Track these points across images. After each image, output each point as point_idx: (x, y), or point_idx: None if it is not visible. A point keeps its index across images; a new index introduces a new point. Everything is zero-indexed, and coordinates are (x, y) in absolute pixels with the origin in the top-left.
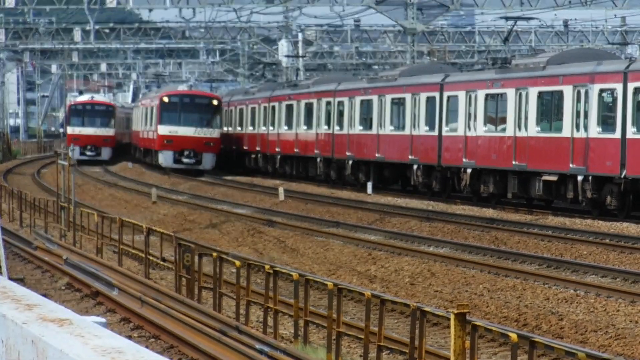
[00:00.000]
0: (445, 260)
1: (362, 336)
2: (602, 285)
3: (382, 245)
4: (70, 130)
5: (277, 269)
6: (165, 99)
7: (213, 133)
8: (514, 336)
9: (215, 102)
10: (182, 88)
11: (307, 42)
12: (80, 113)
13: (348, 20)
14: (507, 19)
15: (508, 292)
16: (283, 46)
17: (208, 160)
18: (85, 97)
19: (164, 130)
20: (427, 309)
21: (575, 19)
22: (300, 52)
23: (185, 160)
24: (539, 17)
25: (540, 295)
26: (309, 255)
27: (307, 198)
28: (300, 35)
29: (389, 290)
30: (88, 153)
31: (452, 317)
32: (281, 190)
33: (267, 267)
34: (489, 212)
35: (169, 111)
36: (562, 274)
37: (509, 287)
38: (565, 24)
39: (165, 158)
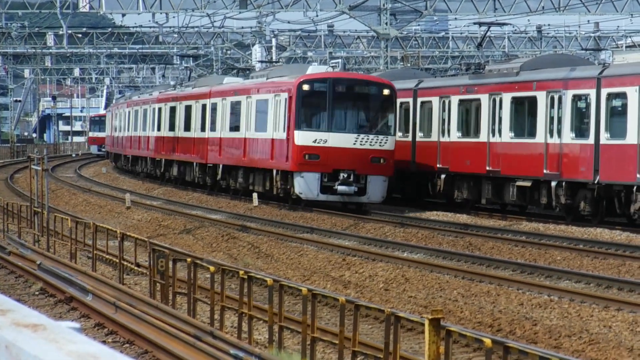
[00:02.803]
0: (420, 265)
1: (337, 341)
2: (576, 291)
3: (357, 250)
4: (91, 134)
5: (252, 274)
6: (306, 87)
7: (385, 143)
8: (488, 341)
9: (387, 91)
10: (324, 69)
11: (281, 47)
12: (97, 122)
13: (322, 25)
14: (480, 24)
15: (482, 297)
16: (257, 51)
17: (377, 188)
18: (100, 112)
19: (304, 138)
20: (401, 314)
21: (549, 25)
22: (274, 57)
23: (340, 188)
24: (513, 22)
25: (514, 301)
26: (283, 261)
27: (281, 204)
28: (273, 41)
29: (363, 295)
30: (103, 150)
31: (426, 322)
32: (255, 196)
33: (241, 272)
34: (463, 218)
35: (311, 107)
36: (536, 280)
37: (483, 293)
38: (539, 29)
39: (306, 185)
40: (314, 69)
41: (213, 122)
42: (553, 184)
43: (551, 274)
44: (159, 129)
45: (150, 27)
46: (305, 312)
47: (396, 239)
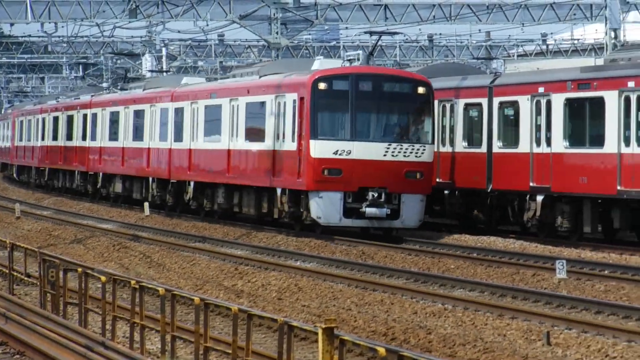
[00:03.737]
0: (313, 274)
1: (230, 351)
2: (470, 299)
3: (249, 259)
4: None
5: (143, 284)
6: (323, 85)
7: (423, 153)
8: (381, 350)
9: (422, 89)
10: (339, 64)
11: (171, 57)
12: None
13: (212, 35)
14: (371, 33)
15: (376, 306)
16: (147, 61)
17: (413, 210)
18: None
19: (323, 149)
20: (294, 323)
21: (440, 34)
22: (165, 67)
23: (369, 210)
24: (404, 31)
25: (408, 309)
26: (176, 270)
27: (172, 213)
28: (164, 50)
29: (256, 305)
30: None
31: (319, 331)
32: (146, 205)
33: (133, 282)
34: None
35: (330, 110)
36: (430, 288)
37: (376, 302)
38: (430, 38)
39: (325, 207)
40: (325, 63)
41: (179, 131)
42: (446, 192)
43: (445, 283)
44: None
45: (39, 36)
46: (198, 321)
47: (289, 248)
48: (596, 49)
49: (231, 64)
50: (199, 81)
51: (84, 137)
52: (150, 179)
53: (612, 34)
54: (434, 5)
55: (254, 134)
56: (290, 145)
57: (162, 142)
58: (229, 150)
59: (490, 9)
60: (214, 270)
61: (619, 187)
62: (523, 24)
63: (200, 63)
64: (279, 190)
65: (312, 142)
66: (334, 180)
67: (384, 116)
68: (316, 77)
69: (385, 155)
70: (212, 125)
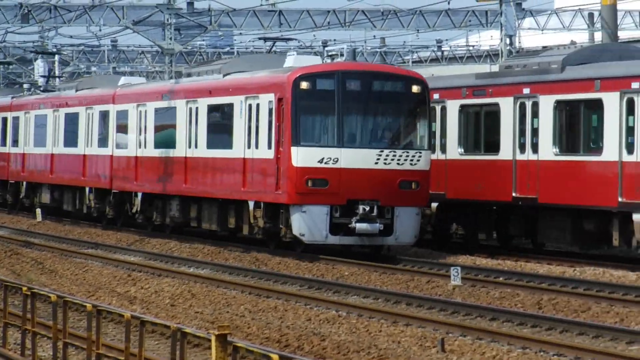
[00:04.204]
0: (206, 281)
1: (123, 358)
2: (364, 306)
3: (142, 266)
4: None
5: (35, 290)
6: (305, 84)
7: (419, 160)
8: (275, 357)
9: (417, 87)
10: (317, 60)
11: (64, 62)
12: None
13: (105, 40)
14: (265, 39)
15: (270, 312)
16: (39, 66)
17: (408, 225)
18: None
19: (306, 157)
20: (187, 330)
21: (335, 40)
22: (57, 72)
23: (359, 226)
24: (298, 37)
25: (302, 316)
26: (68, 277)
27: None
28: (56, 56)
29: (149, 311)
30: None
31: (213, 338)
32: (38, 211)
33: (24, 288)
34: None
35: (314, 112)
36: (323, 295)
37: (270, 308)
38: (324, 44)
39: (310, 223)
40: (301, 60)
41: (123, 137)
42: None
43: (339, 289)
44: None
45: None
46: (90, 328)
47: (182, 255)
48: (491, 55)
49: (124, 69)
50: (139, 81)
51: (3, 143)
52: (87, 189)
53: (508, 41)
54: (328, 11)
55: (219, 140)
56: (266, 152)
57: (101, 149)
58: (186, 159)
59: (384, 15)
60: (106, 277)
61: (514, 194)
62: (418, 30)
63: (93, 69)
64: (251, 204)
65: (293, 149)
66: (319, 192)
67: (375, 119)
68: (297, 75)
69: (376, 163)
70: (165, 130)
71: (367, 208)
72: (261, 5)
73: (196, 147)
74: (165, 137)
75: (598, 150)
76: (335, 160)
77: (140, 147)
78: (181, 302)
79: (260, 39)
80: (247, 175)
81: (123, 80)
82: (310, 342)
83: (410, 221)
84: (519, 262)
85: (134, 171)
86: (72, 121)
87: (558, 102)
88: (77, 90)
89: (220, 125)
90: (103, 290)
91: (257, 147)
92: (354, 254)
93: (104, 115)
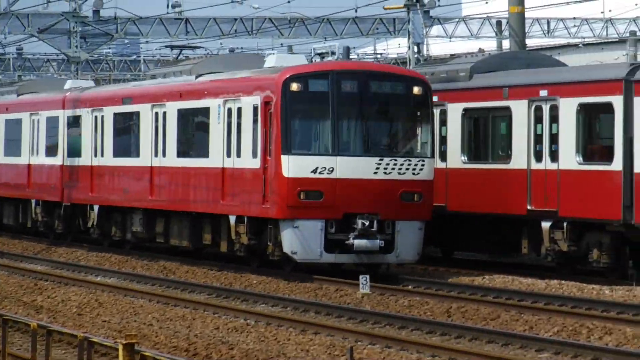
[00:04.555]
0: (114, 290)
1: None
2: (273, 315)
3: (49, 275)
4: None
5: None
6: (296, 86)
7: (422, 169)
8: None
9: (418, 89)
10: (302, 60)
11: None
12: None
13: (10, 48)
14: (172, 47)
15: (177, 321)
16: None
17: (410, 240)
18: None
19: (299, 166)
20: (94, 339)
21: (242, 48)
22: None
23: (357, 243)
24: (205, 45)
25: (210, 325)
26: None
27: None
28: None
29: (56, 320)
30: None
31: (120, 347)
32: None
33: None
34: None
35: (307, 117)
36: (232, 303)
37: (178, 317)
38: (232, 52)
39: (303, 240)
40: (285, 59)
41: (75, 145)
42: None
43: (247, 298)
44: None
45: None
46: None
47: (89, 263)
48: (399, 63)
49: (30, 78)
50: (88, 85)
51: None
52: (34, 202)
53: (415, 49)
54: (235, 19)
55: (192, 148)
56: (250, 161)
57: (50, 158)
58: (152, 168)
59: (292, 23)
60: (12, 286)
61: None
62: (325, 38)
63: None
64: (232, 219)
65: (284, 158)
66: (313, 205)
67: (373, 124)
68: (287, 75)
69: (376, 172)
70: (126, 137)
71: (366, 222)
72: (167, 13)
73: (164, 155)
74: (126, 144)
75: (507, 158)
76: (331, 170)
77: (96, 155)
78: (88, 311)
79: (167, 46)
80: (227, 186)
81: (70, 83)
82: (218, 350)
83: (412, 237)
84: (427, 270)
85: (90, 182)
86: (13, 128)
87: (466, 110)
88: (18, 95)
89: (193, 132)
90: (9, 299)
91: (238, 155)
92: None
93: (53, 122)
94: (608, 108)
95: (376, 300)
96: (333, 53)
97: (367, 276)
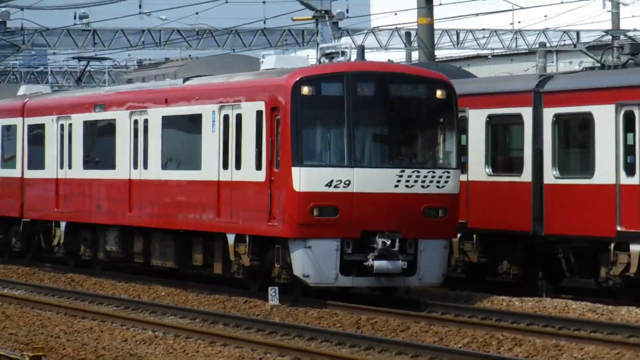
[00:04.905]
0: (21, 302)
1: None
2: (181, 326)
3: None
4: None
5: None
6: (307, 90)
7: (447, 182)
8: None
9: (441, 92)
10: (301, 61)
11: None
12: None
13: None
14: (80, 59)
15: (85, 334)
16: None
17: (434, 261)
18: None
19: (311, 179)
20: (1, 352)
21: (150, 59)
22: None
23: (378, 264)
24: (113, 57)
25: (118, 337)
26: None
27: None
28: None
29: None
30: None
31: (26, 359)
32: None
33: None
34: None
35: (319, 124)
36: (140, 315)
37: (86, 329)
38: (140, 64)
39: (316, 262)
40: (287, 61)
41: (38, 155)
42: None
43: (156, 310)
44: None
45: None
46: None
47: None
48: None
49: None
50: (46, 90)
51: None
52: None
53: (325, 60)
54: (143, 31)
55: (180, 159)
56: (252, 174)
57: (7, 170)
58: (130, 181)
59: (200, 34)
60: None
61: None
62: (234, 49)
63: None
64: (230, 237)
65: (295, 171)
66: (327, 222)
67: (394, 131)
68: (298, 77)
69: (397, 186)
70: (99, 147)
71: (388, 242)
72: (75, 24)
73: (145, 167)
74: (100, 155)
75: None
76: (347, 183)
77: (63, 167)
78: None
79: (74, 58)
80: (224, 202)
81: (24, 89)
82: None
83: (437, 257)
84: None
85: (55, 196)
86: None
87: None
88: None
89: (181, 141)
90: None
91: (238, 167)
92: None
93: (10, 130)
94: (518, 119)
95: (285, 311)
96: (343, 53)
97: (276, 288)
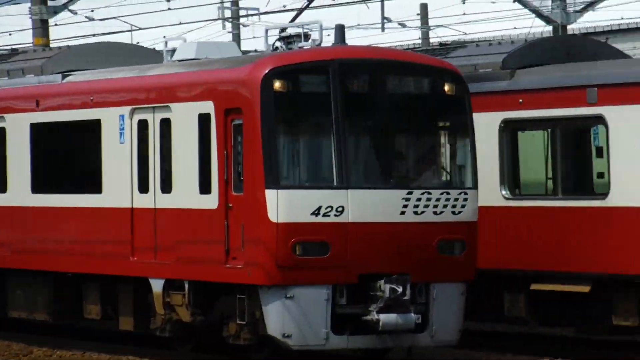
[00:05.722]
0: None
1: None
2: None
3: None
4: None
5: None
6: (279, 84)
7: (464, 207)
8: None
9: (450, 86)
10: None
11: None
12: None
13: None
14: None
15: None
16: None
17: (449, 311)
18: None
19: (293, 206)
20: None
21: None
22: None
23: (385, 318)
24: None
25: None
26: None
27: None
28: None
29: None
30: None
31: None
32: None
33: None
34: None
35: (299, 132)
36: None
37: None
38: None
39: (299, 317)
40: (214, 49)
41: None
42: None
43: None
44: None
45: None
46: None
47: None
48: None
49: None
50: None
51: None
52: None
53: None
54: None
55: (62, 179)
56: (193, 199)
57: None
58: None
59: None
60: None
61: None
62: None
63: None
64: (156, 283)
65: (270, 194)
66: (315, 264)
67: (398, 139)
68: (269, 69)
69: (403, 212)
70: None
71: (399, 289)
72: None
73: (5, 191)
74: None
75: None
76: (340, 210)
77: None
78: None
79: None
80: (143, 236)
81: None
82: None
83: (453, 306)
84: None
85: None
86: None
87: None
88: None
89: (64, 156)
90: None
91: (166, 190)
92: None
93: None
94: None
95: None
96: (307, 37)
97: None
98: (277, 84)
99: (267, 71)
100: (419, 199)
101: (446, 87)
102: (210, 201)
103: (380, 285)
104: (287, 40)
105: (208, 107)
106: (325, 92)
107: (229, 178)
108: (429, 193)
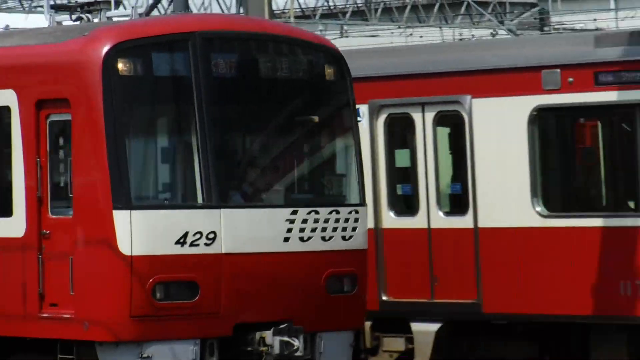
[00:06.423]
0: None
1: None
2: None
3: None
4: None
5: None
6: (125, 65)
7: (355, 231)
8: None
9: (332, 68)
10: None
11: None
12: None
13: None
14: None
15: None
16: None
17: None
18: None
19: (149, 233)
20: None
21: None
22: None
23: None
24: None
25: None
26: None
27: None
28: None
29: None
30: None
31: None
32: None
33: None
34: None
35: (155, 131)
36: None
37: None
38: None
39: None
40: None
41: None
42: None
43: None
44: None
45: None
46: None
47: None
48: None
49: None
50: None
51: None
52: None
53: None
54: None
55: None
56: None
57: None
58: None
59: None
60: None
61: None
62: None
63: None
64: None
65: (120, 217)
66: (180, 311)
67: (280, 139)
68: (110, 44)
69: (287, 239)
70: None
71: (295, 343)
72: None
73: None
74: None
75: None
76: (211, 237)
77: None
78: None
79: None
80: None
81: None
82: None
83: (340, 356)
84: None
85: None
86: None
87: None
88: None
89: None
90: None
91: None
92: None
93: None
94: None
95: None
96: (119, 3)
97: None
98: (121, 66)
99: (108, 48)
100: (304, 220)
101: (327, 68)
102: (12, 227)
103: (263, 338)
104: (81, 9)
105: (6, 97)
106: (186, 74)
107: (44, 196)
108: (317, 212)
